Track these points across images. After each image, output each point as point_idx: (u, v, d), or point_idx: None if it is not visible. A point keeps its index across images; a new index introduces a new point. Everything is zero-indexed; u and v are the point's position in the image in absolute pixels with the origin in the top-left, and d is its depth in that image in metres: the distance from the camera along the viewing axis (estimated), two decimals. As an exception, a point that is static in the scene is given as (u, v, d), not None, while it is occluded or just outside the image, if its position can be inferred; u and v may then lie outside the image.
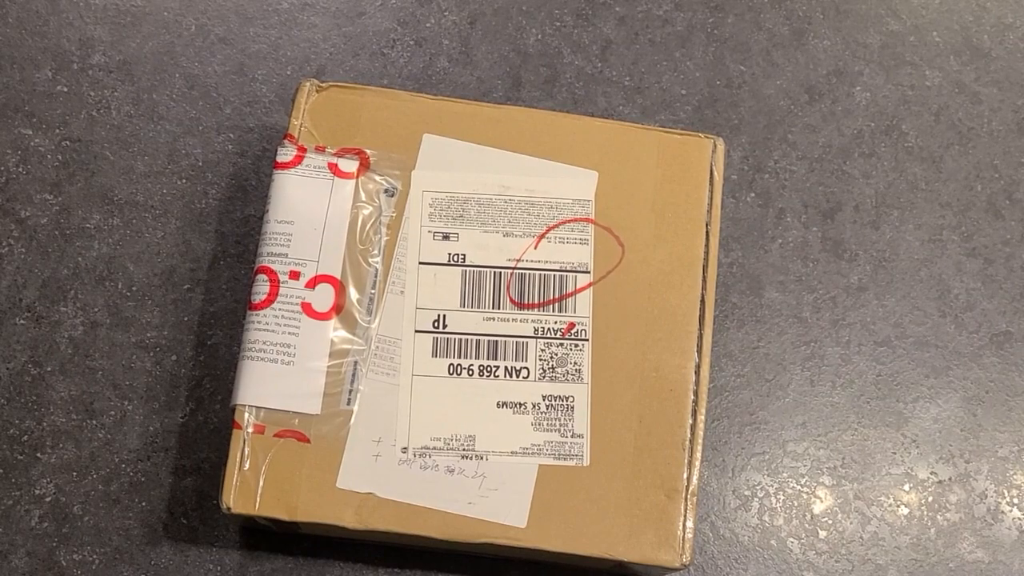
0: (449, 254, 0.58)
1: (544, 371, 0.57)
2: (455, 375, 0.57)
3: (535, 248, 0.58)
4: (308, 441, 0.55)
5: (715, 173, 0.60)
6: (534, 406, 0.56)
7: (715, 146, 0.60)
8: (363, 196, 0.58)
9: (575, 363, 0.57)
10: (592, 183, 0.59)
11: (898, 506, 0.65)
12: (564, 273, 0.58)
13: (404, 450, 0.55)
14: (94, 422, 0.63)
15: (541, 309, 0.57)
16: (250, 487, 0.54)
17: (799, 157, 0.71)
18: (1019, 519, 0.66)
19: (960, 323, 0.69)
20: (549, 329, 0.57)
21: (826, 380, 0.67)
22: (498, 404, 0.56)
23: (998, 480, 0.66)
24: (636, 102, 0.71)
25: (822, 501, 0.65)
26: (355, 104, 0.59)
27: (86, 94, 0.67)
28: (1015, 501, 0.66)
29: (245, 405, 0.55)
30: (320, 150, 0.58)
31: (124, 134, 0.67)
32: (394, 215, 0.58)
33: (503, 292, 0.58)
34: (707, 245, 0.59)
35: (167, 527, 0.61)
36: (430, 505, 0.55)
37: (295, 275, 0.57)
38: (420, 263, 0.58)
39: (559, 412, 0.56)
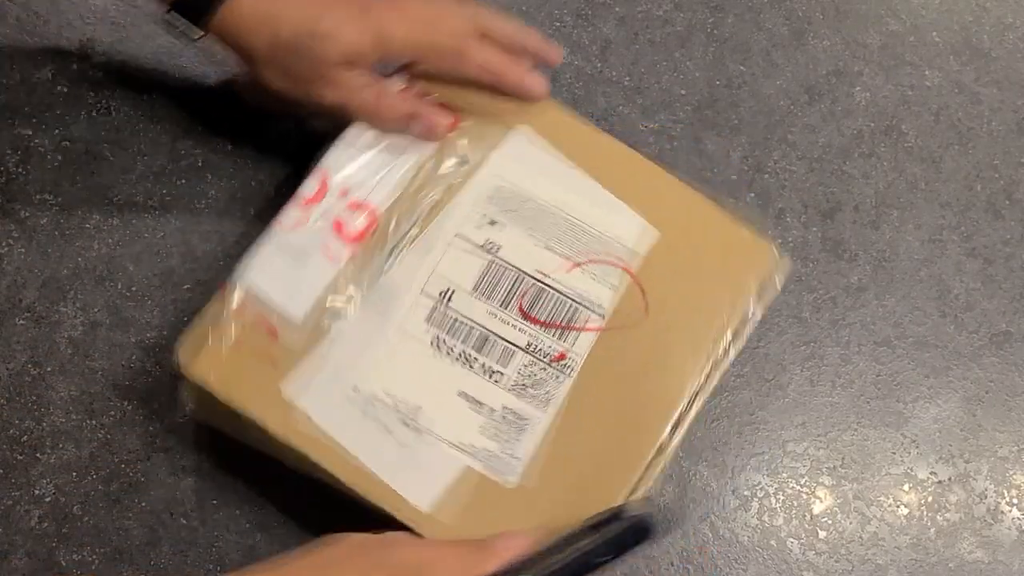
0: (487, 240, 0.58)
1: (517, 384, 0.57)
2: (436, 348, 0.57)
3: (567, 272, 0.58)
4: (276, 339, 0.56)
5: (767, 288, 0.59)
6: (491, 411, 0.56)
7: (777, 259, 0.59)
8: (441, 151, 0.59)
9: (548, 391, 0.57)
10: (650, 241, 0.59)
11: (898, 506, 0.65)
12: (580, 307, 0.58)
13: (355, 389, 0.56)
14: (94, 422, 0.63)
15: (543, 328, 0.57)
16: (207, 351, 0.55)
17: (799, 157, 0.71)
18: (1019, 519, 0.66)
19: (960, 323, 0.69)
20: (541, 350, 0.57)
21: (826, 380, 0.67)
22: (459, 393, 0.56)
23: (998, 480, 0.66)
24: (636, 102, 0.71)
25: (822, 501, 0.65)
26: None
27: (86, 94, 0.68)
28: (1015, 501, 0.66)
29: (242, 283, 0.56)
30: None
31: (124, 134, 0.67)
32: (458, 181, 0.59)
33: (516, 297, 0.58)
34: (726, 348, 0.58)
35: (167, 527, 0.61)
36: (352, 451, 0.55)
37: (344, 192, 0.58)
38: (456, 235, 0.58)
39: (510, 428, 0.56)
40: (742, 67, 0.72)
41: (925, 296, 0.69)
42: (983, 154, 0.72)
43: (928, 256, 0.70)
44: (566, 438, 0.56)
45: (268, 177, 0.66)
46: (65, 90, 0.67)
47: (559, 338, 0.57)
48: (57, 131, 0.67)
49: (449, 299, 0.57)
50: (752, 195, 0.70)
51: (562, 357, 0.57)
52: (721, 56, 0.72)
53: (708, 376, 0.57)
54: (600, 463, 0.56)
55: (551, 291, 0.58)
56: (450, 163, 0.59)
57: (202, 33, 0.57)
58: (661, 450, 0.56)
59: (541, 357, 0.57)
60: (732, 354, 0.58)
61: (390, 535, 0.51)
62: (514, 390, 0.57)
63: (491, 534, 0.52)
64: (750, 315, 0.58)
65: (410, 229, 0.58)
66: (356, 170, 0.58)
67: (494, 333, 0.57)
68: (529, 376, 0.57)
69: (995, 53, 0.74)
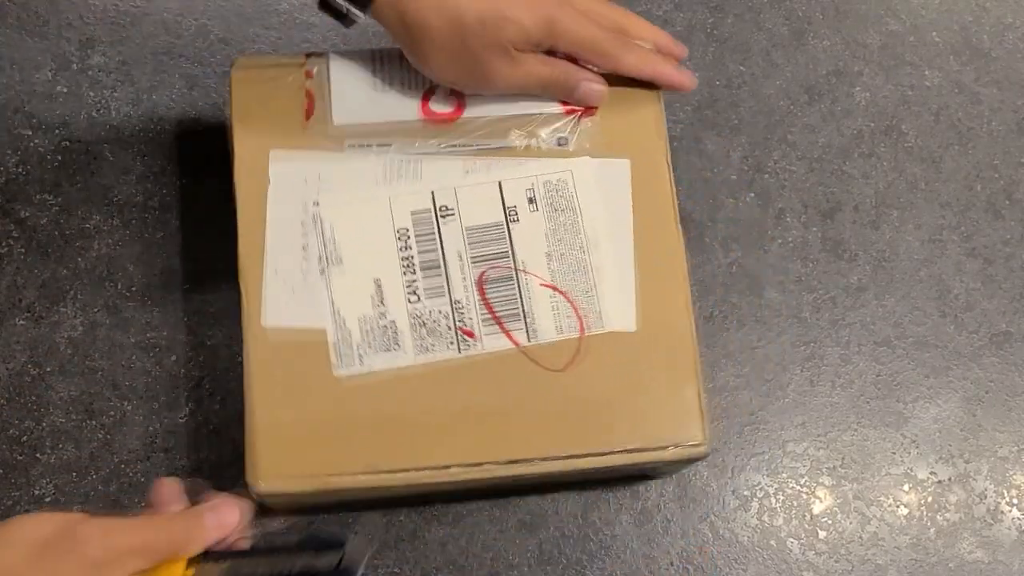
0: (514, 207, 0.59)
1: (419, 317, 0.57)
2: (396, 236, 0.58)
3: (540, 285, 0.58)
4: (307, 118, 0.59)
5: (666, 466, 0.58)
6: (382, 314, 0.57)
7: (701, 454, 0.57)
8: (556, 120, 0.60)
9: (433, 346, 0.57)
10: (621, 328, 0.57)
11: (898, 506, 0.65)
12: (522, 318, 0.57)
13: (316, 204, 0.58)
14: (94, 422, 0.63)
15: (481, 303, 0.57)
16: (258, 73, 0.59)
17: (799, 157, 0.71)
18: (1019, 519, 0.66)
19: (960, 323, 0.69)
20: (462, 315, 0.57)
21: (826, 380, 0.67)
22: (376, 280, 0.57)
23: (998, 480, 0.66)
24: (636, 102, 0.70)
25: (822, 501, 0.65)
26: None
27: (86, 94, 0.68)
28: (1015, 501, 0.66)
29: (328, 59, 0.60)
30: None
31: (124, 134, 0.67)
32: (541, 149, 0.60)
33: (489, 265, 0.58)
34: (561, 463, 0.56)
35: (167, 527, 0.61)
36: (268, 233, 0.57)
37: None
38: (499, 182, 0.59)
39: (381, 339, 0.56)
40: (742, 67, 0.72)
41: (925, 296, 0.69)
42: (983, 154, 0.72)
43: (928, 256, 0.70)
44: (406, 390, 0.56)
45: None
46: (66, 90, 0.67)
47: (483, 322, 0.57)
48: (58, 131, 0.67)
49: (443, 216, 0.58)
50: (752, 195, 0.70)
51: (470, 335, 0.57)
52: (721, 56, 0.72)
53: (532, 464, 0.56)
54: (408, 434, 0.55)
55: (515, 286, 0.58)
56: (552, 133, 0.60)
57: (362, 15, 0.58)
58: (446, 470, 0.55)
59: (456, 319, 0.57)
60: (551, 468, 0.55)
61: (75, 522, 0.45)
62: (414, 320, 0.57)
63: (289, 395, 0.54)
64: (621, 467, 0.56)
65: (469, 147, 0.59)
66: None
67: (446, 269, 0.58)
68: (434, 321, 0.57)
69: (995, 53, 0.74)
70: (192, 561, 0.46)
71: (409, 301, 0.57)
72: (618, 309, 0.57)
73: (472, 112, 0.60)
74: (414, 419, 0.55)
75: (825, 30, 0.73)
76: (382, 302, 0.57)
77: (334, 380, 0.56)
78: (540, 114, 0.60)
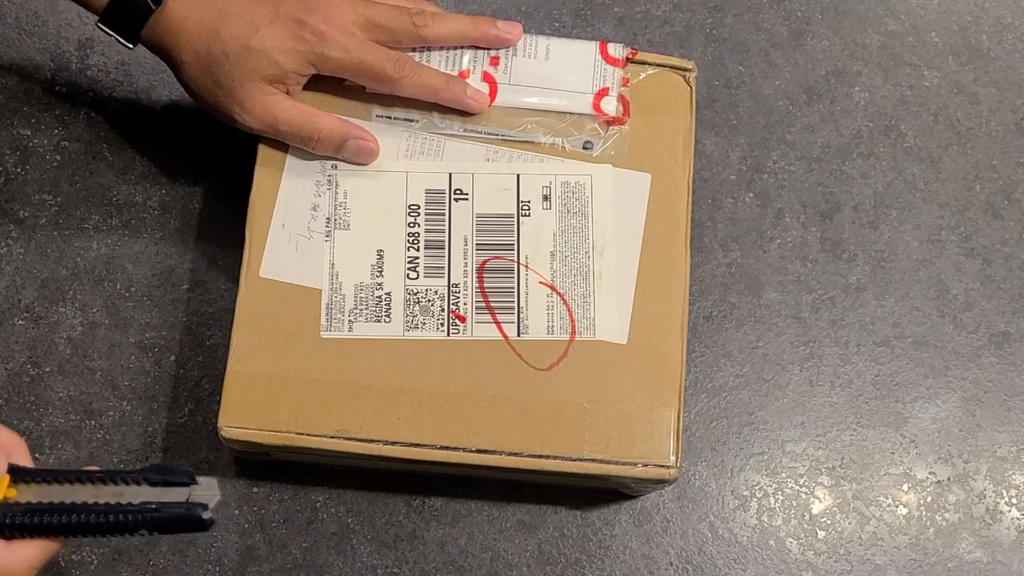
0: (527, 202, 0.59)
1: (415, 294, 0.57)
2: (407, 211, 0.58)
3: (539, 283, 0.58)
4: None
5: (633, 482, 0.58)
6: (379, 284, 0.57)
7: (669, 479, 0.57)
8: (589, 122, 0.60)
9: (423, 324, 0.57)
10: (612, 339, 0.57)
11: (897, 506, 0.65)
12: (516, 311, 0.57)
13: (335, 167, 0.59)
14: (93, 423, 0.63)
15: (478, 291, 0.58)
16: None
17: (798, 157, 0.71)
18: (1018, 519, 0.66)
19: (959, 323, 0.69)
20: (457, 298, 0.57)
21: (825, 380, 0.67)
22: (379, 250, 0.58)
23: (997, 480, 0.66)
24: (635, 102, 0.71)
25: (821, 501, 0.65)
26: (683, 99, 0.61)
27: (85, 94, 0.68)
28: (1014, 501, 0.66)
29: None
30: (624, 62, 0.61)
31: (123, 134, 0.67)
32: (566, 150, 0.60)
33: (493, 254, 0.58)
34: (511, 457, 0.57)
35: (166, 527, 0.61)
36: (282, 186, 0.58)
37: (493, 61, 0.60)
38: (518, 175, 0.59)
39: (374, 309, 0.57)
40: (741, 67, 0.72)
41: (924, 296, 0.69)
42: (982, 154, 0.72)
43: (927, 256, 0.70)
44: (388, 363, 0.56)
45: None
46: (65, 90, 0.67)
47: (476, 309, 0.57)
48: (57, 131, 0.67)
49: (457, 199, 0.59)
50: (751, 195, 0.70)
51: (461, 320, 0.57)
52: (720, 56, 0.72)
53: (500, 457, 0.55)
54: (382, 407, 0.56)
55: (514, 280, 0.58)
56: (579, 136, 0.60)
57: (131, 46, 0.58)
58: (414, 448, 0.55)
59: (451, 300, 0.57)
60: (518, 464, 0.55)
61: None
62: (409, 295, 0.57)
63: (272, 348, 0.55)
64: (589, 475, 0.56)
65: (494, 135, 0.59)
66: (524, 64, 0.60)
67: (450, 251, 0.58)
68: (428, 300, 0.57)
69: (994, 53, 0.74)
70: (15, 480, 0.44)
71: (408, 276, 0.58)
72: (612, 320, 0.58)
73: (503, 101, 0.60)
74: (391, 393, 0.56)
75: (824, 30, 0.73)
76: (381, 273, 0.58)
77: (319, 341, 0.57)
78: (571, 114, 0.60)
